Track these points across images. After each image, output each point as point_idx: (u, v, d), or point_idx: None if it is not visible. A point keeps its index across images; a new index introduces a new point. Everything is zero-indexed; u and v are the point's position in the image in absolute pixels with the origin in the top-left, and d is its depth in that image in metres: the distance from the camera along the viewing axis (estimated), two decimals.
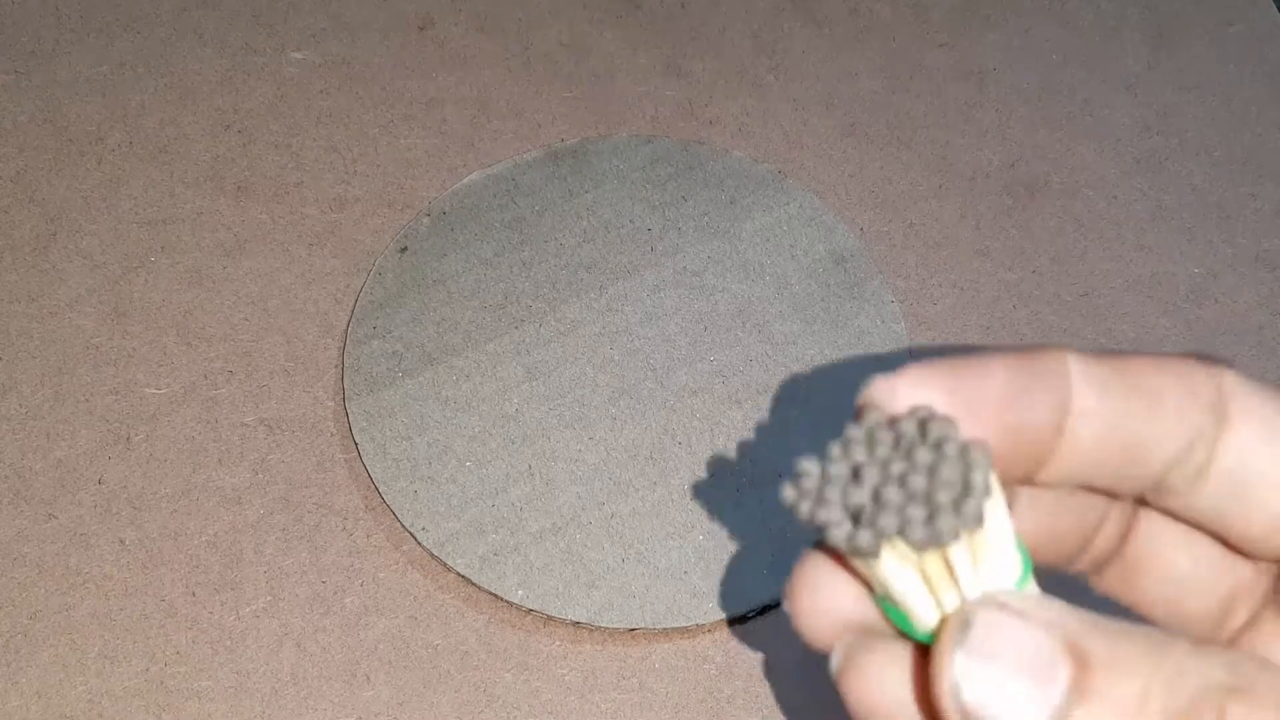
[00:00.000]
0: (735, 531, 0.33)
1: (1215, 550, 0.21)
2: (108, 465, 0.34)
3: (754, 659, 0.32)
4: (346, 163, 0.40)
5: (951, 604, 0.18)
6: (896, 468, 0.17)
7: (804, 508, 0.17)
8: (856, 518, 0.17)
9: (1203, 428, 0.19)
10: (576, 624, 0.32)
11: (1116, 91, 0.44)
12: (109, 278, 0.37)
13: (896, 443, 0.18)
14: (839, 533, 0.17)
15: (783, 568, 0.33)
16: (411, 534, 0.33)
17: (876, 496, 0.17)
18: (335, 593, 0.32)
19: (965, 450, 0.17)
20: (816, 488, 0.18)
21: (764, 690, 0.31)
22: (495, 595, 0.32)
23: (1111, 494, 0.21)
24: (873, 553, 0.17)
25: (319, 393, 0.35)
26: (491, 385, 0.35)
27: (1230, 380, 0.19)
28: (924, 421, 0.18)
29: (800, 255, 0.38)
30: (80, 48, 0.43)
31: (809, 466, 0.18)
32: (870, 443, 0.18)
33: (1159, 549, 0.22)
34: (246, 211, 0.39)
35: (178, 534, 0.33)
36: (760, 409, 0.35)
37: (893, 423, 0.18)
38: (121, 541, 0.33)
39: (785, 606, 0.19)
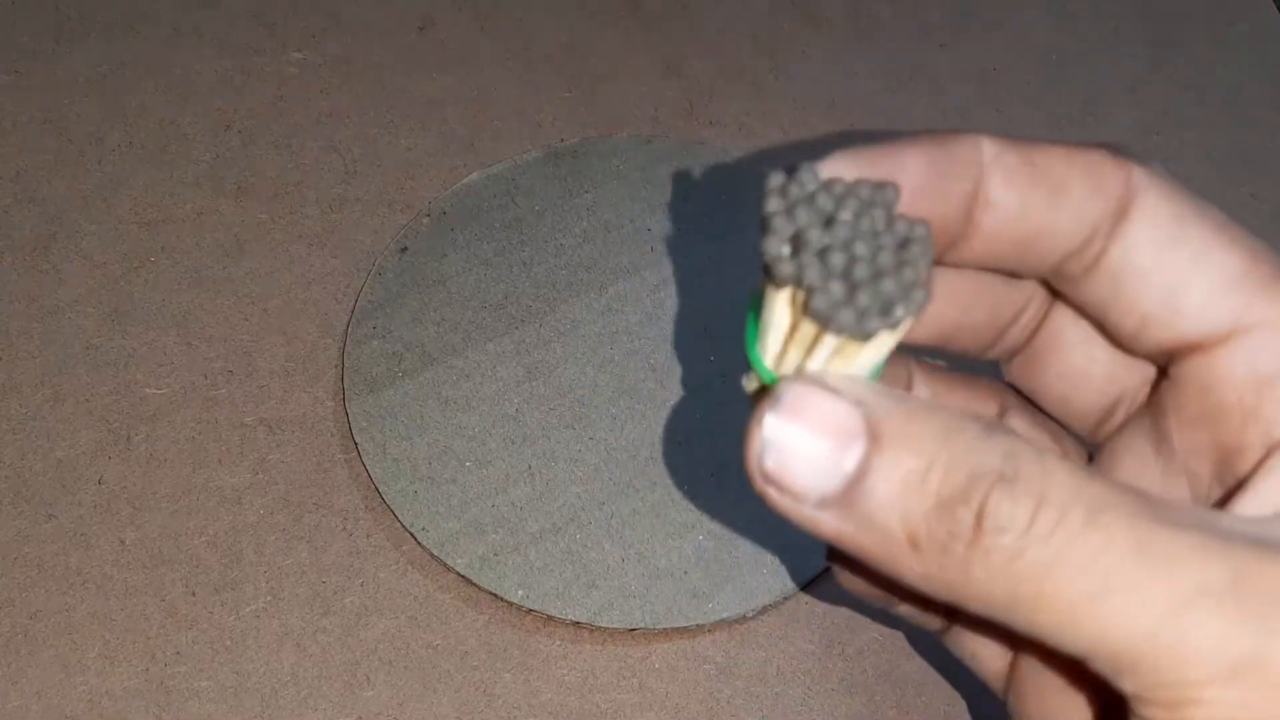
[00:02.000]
0: (735, 531, 0.33)
1: (1108, 354, 0.23)
2: (108, 465, 0.34)
3: (754, 659, 0.32)
4: (346, 163, 0.40)
5: (792, 363, 0.19)
6: (863, 242, 0.18)
7: (784, 256, 0.18)
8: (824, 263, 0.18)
9: (1101, 222, 0.20)
10: (576, 624, 0.32)
11: (1117, 91, 0.44)
12: (109, 278, 0.37)
13: (843, 202, 0.18)
14: (784, 269, 0.18)
15: (783, 568, 0.33)
16: (411, 534, 0.33)
17: (846, 263, 0.18)
18: (335, 593, 0.32)
19: (922, 247, 0.18)
20: (805, 241, 0.18)
21: (764, 690, 0.31)
22: (495, 595, 0.32)
23: (1014, 274, 0.22)
24: (821, 318, 0.18)
25: (319, 393, 0.35)
26: (491, 385, 0.35)
27: (1140, 177, 0.20)
28: (879, 188, 0.18)
29: None
30: (80, 48, 0.43)
31: (779, 206, 0.18)
32: (811, 201, 0.18)
33: (1060, 346, 0.23)
34: (246, 211, 0.39)
35: (177, 534, 0.33)
36: None
37: (829, 185, 0.19)
38: (121, 541, 0.33)
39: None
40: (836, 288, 0.18)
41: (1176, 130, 0.43)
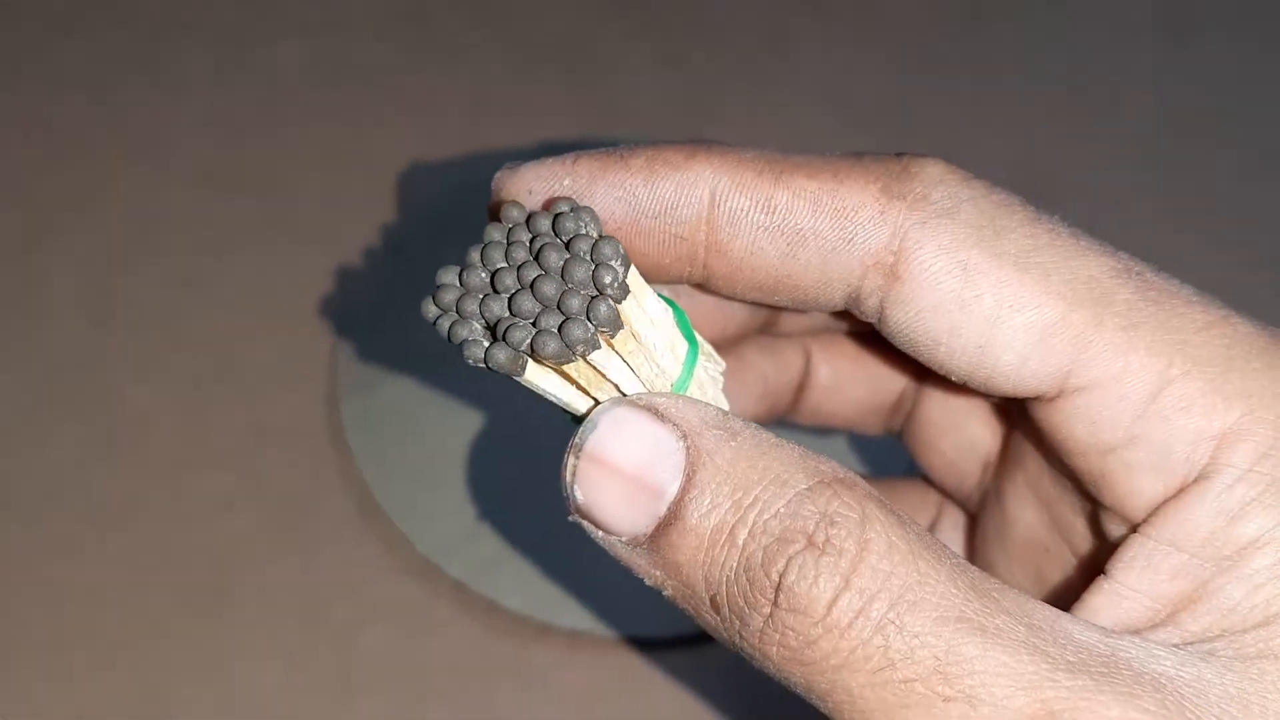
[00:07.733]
0: None
1: (978, 421, 0.22)
2: (94, 471, 0.33)
3: (755, 669, 0.31)
4: (339, 159, 0.40)
5: (608, 397, 0.17)
6: (529, 273, 0.16)
7: (443, 324, 0.17)
8: (494, 331, 0.16)
9: (864, 281, 0.17)
10: (575, 632, 0.31)
11: (1127, 88, 0.44)
12: (96, 278, 0.37)
13: (533, 243, 0.17)
14: (475, 351, 0.16)
15: None
16: (406, 540, 0.32)
17: (511, 307, 0.16)
18: (327, 601, 0.32)
19: (597, 247, 0.16)
20: (456, 300, 0.17)
21: (766, 699, 0.31)
22: (492, 603, 0.31)
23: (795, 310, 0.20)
24: (517, 372, 0.16)
25: (311, 396, 0.35)
26: (488, 387, 0.35)
27: (911, 225, 0.17)
28: (558, 217, 0.17)
29: None
30: (68, 44, 0.42)
31: (447, 277, 0.17)
32: (507, 245, 0.17)
33: (934, 418, 0.23)
34: (236, 209, 0.38)
35: (166, 541, 0.32)
36: None
37: (530, 220, 0.17)
38: (108, 549, 0.32)
39: None
40: (476, 324, 0.16)
41: (1188, 128, 0.43)
